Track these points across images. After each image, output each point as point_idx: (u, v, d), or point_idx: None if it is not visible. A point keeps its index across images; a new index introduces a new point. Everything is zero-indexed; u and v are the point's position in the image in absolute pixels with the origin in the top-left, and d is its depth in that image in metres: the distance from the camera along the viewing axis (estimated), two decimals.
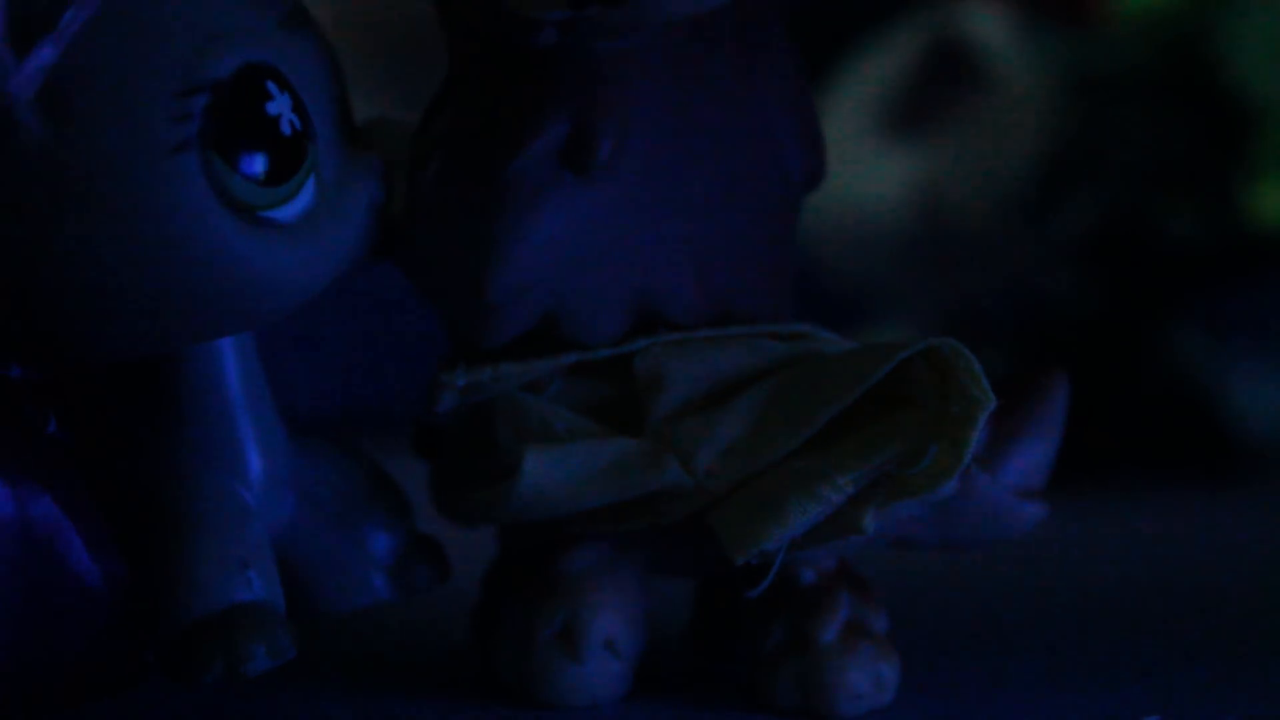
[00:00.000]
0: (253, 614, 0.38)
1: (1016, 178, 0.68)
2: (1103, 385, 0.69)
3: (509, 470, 0.40)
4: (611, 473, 0.40)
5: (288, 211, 0.38)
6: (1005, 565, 0.54)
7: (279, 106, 0.37)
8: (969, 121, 0.69)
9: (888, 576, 0.43)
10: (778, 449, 0.39)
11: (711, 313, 0.41)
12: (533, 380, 0.41)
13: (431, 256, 0.40)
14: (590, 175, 0.39)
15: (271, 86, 0.37)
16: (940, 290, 0.71)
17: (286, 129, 0.37)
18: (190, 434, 0.40)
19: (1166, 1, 0.72)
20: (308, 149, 0.38)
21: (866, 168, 0.70)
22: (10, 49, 0.36)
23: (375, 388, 0.75)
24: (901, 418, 0.39)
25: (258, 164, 0.37)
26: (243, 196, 0.37)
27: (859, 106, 0.71)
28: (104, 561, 0.38)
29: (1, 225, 0.36)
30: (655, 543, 0.41)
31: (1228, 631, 0.47)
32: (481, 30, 0.39)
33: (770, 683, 0.41)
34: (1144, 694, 0.42)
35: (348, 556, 0.42)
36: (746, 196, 0.41)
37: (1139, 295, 0.70)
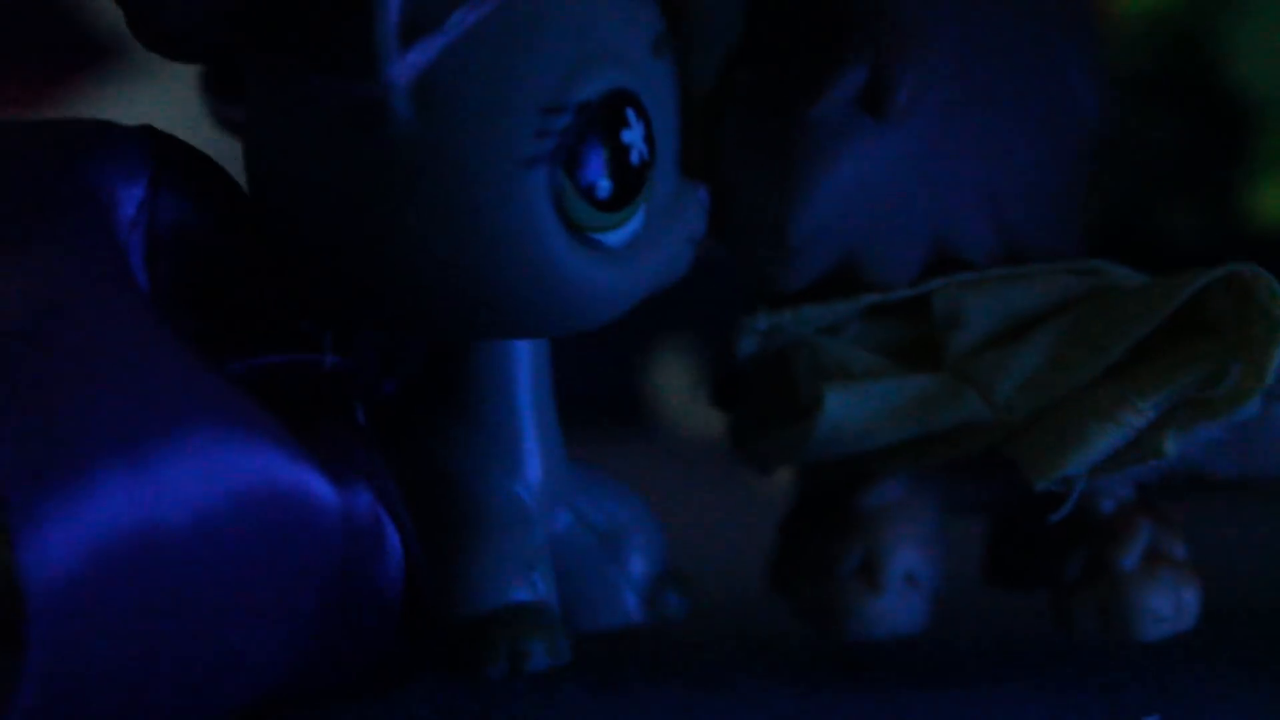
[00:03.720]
0: (535, 613, 0.39)
1: None
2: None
3: (809, 409, 0.41)
4: (911, 408, 0.41)
5: (616, 237, 0.38)
6: None
7: (633, 136, 0.38)
8: None
9: None
10: (1077, 379, 0.40)
11: (1006, 252, 0.41)
12: (831, 323, 0.41)
13: (733, 202, 0.41)
14: (889, 120, 0.39)
15: (630, 114, 0.38)
16: None
17: (635, 159, 0.38)
18: (477, 434, 0.41)
19: (1167, 1, 0.72)
20: (648, 179, 0.38)
21: None
22: (398, 37, 0.36)
23: None
24: (1202, 342, 0.39)
25: (601, 189, 0.38)
26: (579, 217, 0.37)
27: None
28: (413, 553, 0.38)
29: (355, 201, 0.37)
30: (951, 479, 0.42)
31: (1228, 631, 0.47)
32: None
33: (1071, 609, 0.42)
34: (1144, 694, 0.42)
35: (607, 577, 0.43)
36: (1040, 137, 0.41)
37: None
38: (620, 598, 0.43)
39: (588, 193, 0.37)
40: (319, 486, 0.36)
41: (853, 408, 0.41)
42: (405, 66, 0.37)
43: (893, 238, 0.41)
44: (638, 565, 0.43)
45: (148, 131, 0.38)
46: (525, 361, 0.41)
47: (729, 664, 0.45)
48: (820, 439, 0.41)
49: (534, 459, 0.41)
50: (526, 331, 0.40)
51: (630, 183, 0.38)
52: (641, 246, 0.39)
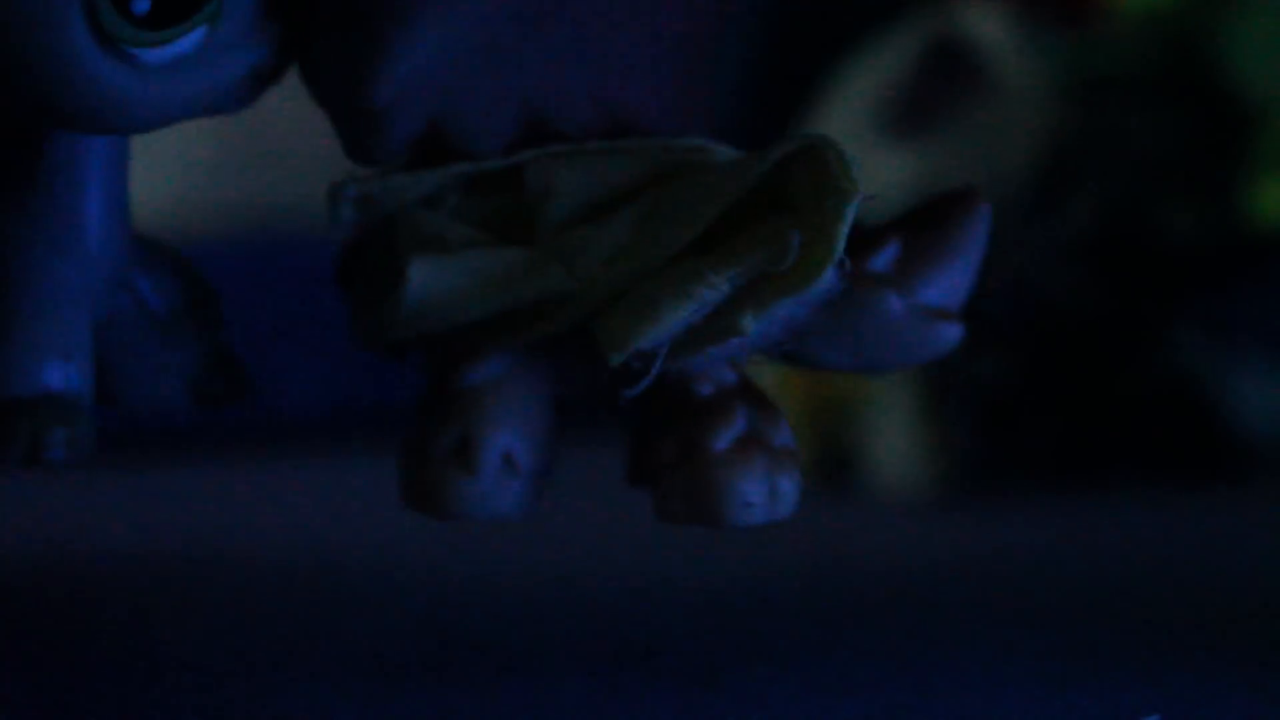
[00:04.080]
0: (62, 404, 0.39)
1: (1016, 178, 0.68)
2: (1103, 385, 0.69)
3: (398, 281, 0.40)
4: (498, 280, 0.40)
5: (157, 54, 0.38)
6: (1005, 565, 0.54)
7: None
8: (969, 121, 0.69)
9: (888, 576, 0.43)
10: (659, 254, 0.39)
11: (605, 125, 0.41)
12: (430, 195, 0.41)
13: (319, 65, 0.40)
14: None
15: None
16: None
17: None
18: (38, 214, 0.40)
19: (1166, 1, 0.72)
20: (202, 4, 0.38)
21: (866, 168, 0.70)
22: None
23: (374, 387, 0.75)
24: (776, 219, 0.39)
25: (141, 5, 0.38)
26: (112, 30, 0.37)
27: (859, 106, 0.71)
28: None
29: None
30: (560, 360, 0.41)
31: (1228, 631, 0.47)
32: None
33: (663, 494, 0.40)
34: (1144, 694, 0.42)
35: (157, 362, 0.42)
36: (642, 9, 0.40)
37: (1139, 295, 0.70)
38: (163, 381, 0.42)
39: (122, 7, 0.37)
40: None
41: (440, 278, 0.40)
42: None
43: (482, 103, 0.40)
44: (188, 350, 0.43)
45: None
46: (96, 148, 0.41)
47: None
48: (409, 313, 0.40)
49: (96, 241, 0.41)
50: (59, 126, 0.39)
51: (176, 4, 0.38)
52: (188, 68, 0.38)
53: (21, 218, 0.41)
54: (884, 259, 0.41)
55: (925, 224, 0.41)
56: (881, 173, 0.69)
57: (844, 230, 0.38)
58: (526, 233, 0.40)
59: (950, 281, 0.41)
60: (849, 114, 0.71)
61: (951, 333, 0.41)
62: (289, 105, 0.43)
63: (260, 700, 0.42)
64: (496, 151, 0.40)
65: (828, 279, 0.38)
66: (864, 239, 0.40)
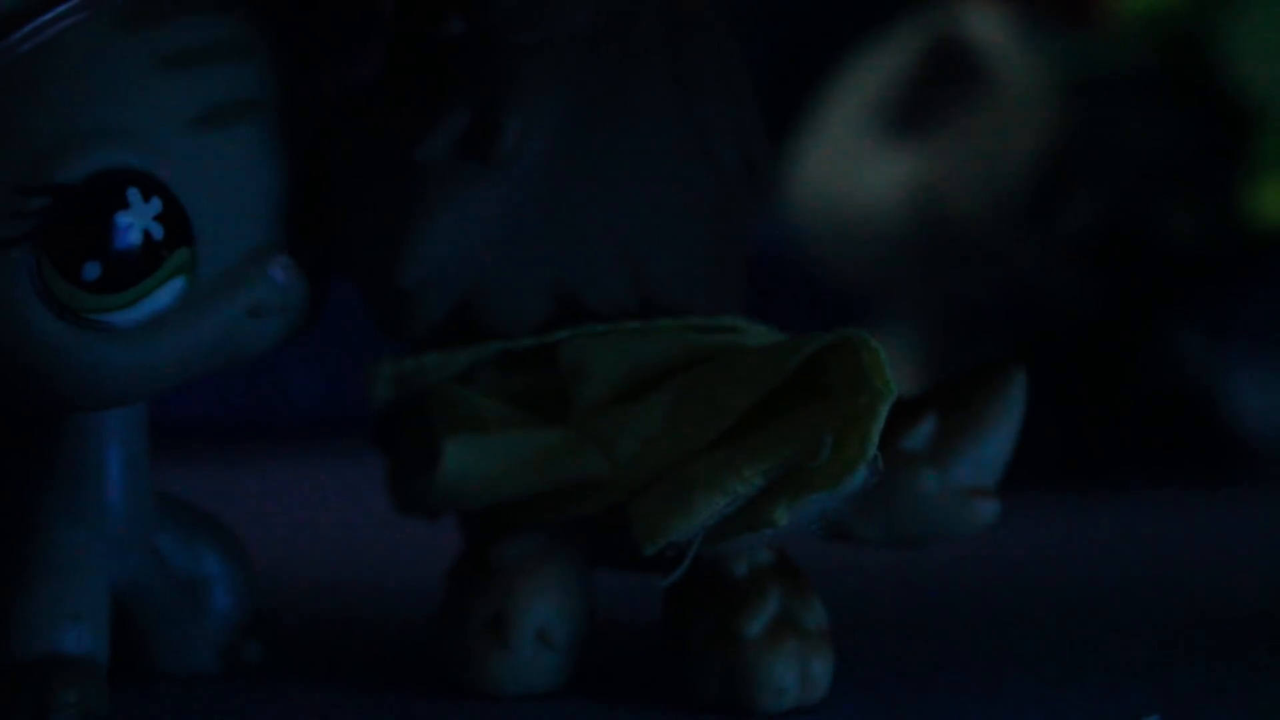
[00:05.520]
0: (73, 666, 0.39)
1: (1016, 178, 0.68)
2: (1103, 385, 0.69)
3: (433, 460, 0.40)
4: (535, 462, 0.40)
5: (126, 316, 0.37)
6: (1005, 565, 0.54)
7: (134, 216, 0.37)
8: (969, 121, 0.69)
9: (887, 575, 0.43)
10: (694, 441, 0.39)
11: (639, 304, 0.41)
12: (465, 372, 0.41)
13: (349, 246, 0.40)
14: (498, 164, 0.39)
15: (133, 194, 0.37)
16: (940, 290, 0.71)
17: (136, 239, 0.37)
18: (53, 479, 0.40)
19: (1167, 1, 0.72)
20: (164, 258, 0.37)
21: (866, 168, 0.70)
22: None
23: None
24: (810, 410, 0.39)
25: (90, 272, 0.37)
26: (67, 300, 0.37)
27: (859, 106, 0.71)
28: None
29: None
30: (596, 534, 0.41)
31: (1228, 631, 0.47)
32: (395, 18, 0.40)
33: (694, 675, 0.41)
34: (1144, 694, 0.42)
35: (182, 623, 0.42)
36: (676, 187, 0.41)
37: (1139, 295, 0.70)
38: (193, 646, 0.43)
39: (75, 276, 0.36)
40: None
41: (475, 460, 0.40)
42: None
43: (513, 283, 0.40)
44: (217, 613, 0.43)
45: None
46: (113, 416, 0.40)
47: None
48: (444, 490, 0.41)
49: (112, 505, 0.41)
50: (39, 411, 0.39)
51: (131, 264, 0.37)
52: (173, 322, 0.38)
53: (41, 481, 0.40)
54: (920, 437, 0.40)
55: (962, 397, 0.41)
56: (881, 173, 0.69)
57: (877, 429, 0.38)
58: (560, 409, 0.40)
59: (987, 458, 0.41)
60: (849, 114, 0.71)
61: (988, 510, 0.41)
62: None
63: (260, 701, 0.42)
64: (528, 330, 0.41)
65: (860, 476, 0.38)
66: (900, 412, 0.40)
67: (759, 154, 0.42)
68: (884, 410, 0.38)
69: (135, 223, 0.37)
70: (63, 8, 0.37)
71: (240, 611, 0.43)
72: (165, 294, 0.37)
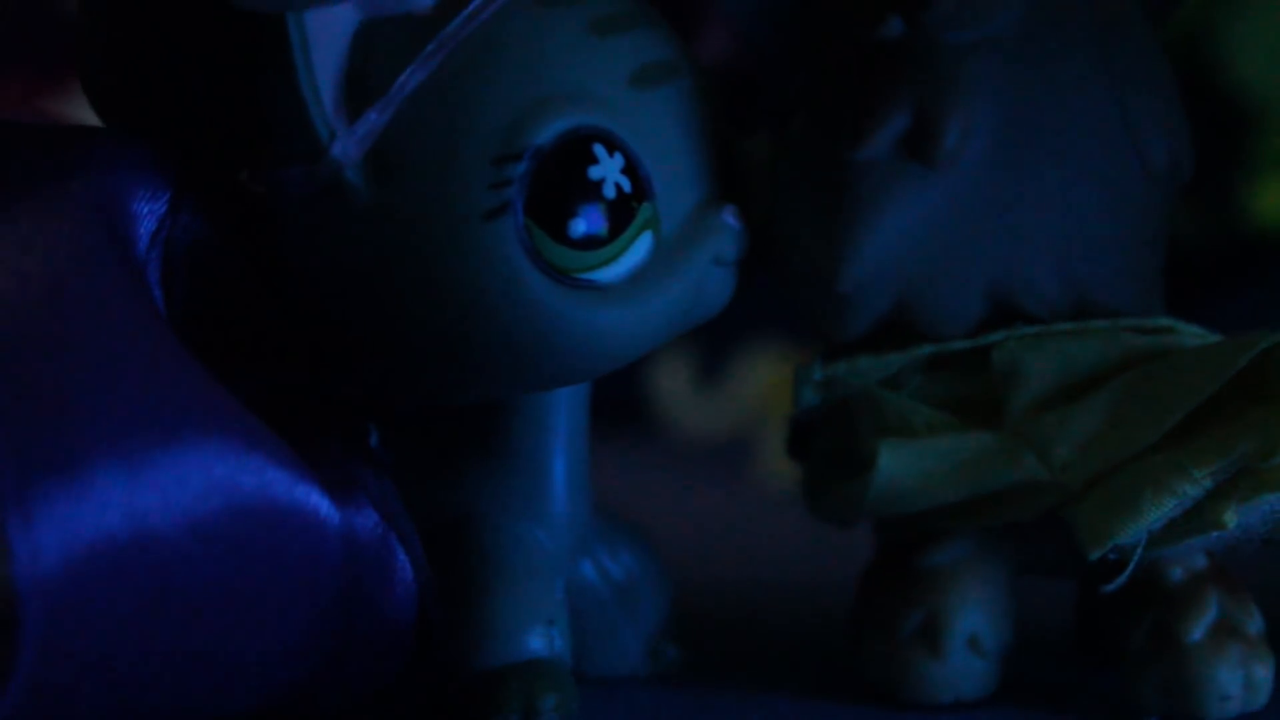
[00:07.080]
0: (550, 669, 0.39)
1: None
2: None
3: (866, 464, 0.40)
4: (968, 467, 0.40)
5: (610, 273, 0.38)
6: None
7: (604, 170, 0.37)
8: None
9: None
10: (1135, 443, 0.39)
11: (1071, 305, 0.40)
12: (892, 376, 0.41)
13: (786, 251, 0.40)
14: (937, 166, 0.39)
15: (599, 150, 0.37)
16: None
17: (610, 192, 0.37)
18: (507, 476, 0.41)
19: None
20: (635, 211, 0.38)
21: None
22: (343, 113, 0.36)
23: None
24: (1259, 411, 0.38)
25: (576, 228, 0.37)
26: (559, 261, 0.37)
27: None
28: (423, 579, 0.38)
29: (333, 283, 0.37)
30: (1023, 540, 0.41)
31: None
32: (833, 24, 0.40)
33: (1135, 683, 0.40)
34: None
35: (618, 629, 0.43)
36: (1105, 187, 0.40)
37: None
38: (628, 650, 0.43)
39: (562, 235, 0.37)
40: (318, 503, 0.35)
41: (909, 465, 0.40)
42: (354, 140, 0.36)
43: (948, 285, 0.40)
44: (646, 619, 0.43)
45: (172, 151, 0.38)
46: (563, 411, 0.41)
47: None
48: (877, 496, 0.40)
49: (563, 506, 0.41)
50: (535, 383, 0.39)
51: (609, 218, 0.37)
52: (650, 277, 0.38)
53: (489, 485, 0.41)
54: None
55: None
56: None
57: None
58: (990, 415, 0.40)
59: None
60: None
61: None
62: None
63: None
64: (961, 332, 0.40)
65: None
66: None
67: (1183, 152, 0.41)
68: None
69: (607, 176, 0.37)
70: None
71: (663, 617, 0.44)
72: (640, 248, 0.38)
